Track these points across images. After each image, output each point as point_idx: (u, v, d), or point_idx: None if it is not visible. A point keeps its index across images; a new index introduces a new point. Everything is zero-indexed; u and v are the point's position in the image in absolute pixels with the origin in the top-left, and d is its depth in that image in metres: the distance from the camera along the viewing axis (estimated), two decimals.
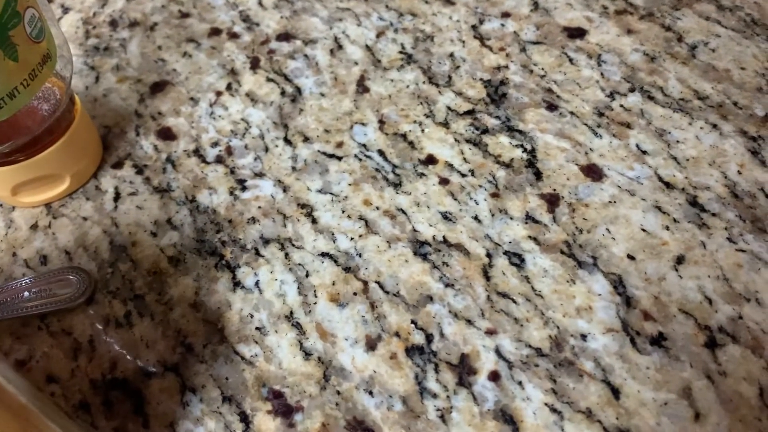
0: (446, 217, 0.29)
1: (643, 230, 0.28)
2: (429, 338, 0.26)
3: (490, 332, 0.25)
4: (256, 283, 0.28)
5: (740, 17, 0.35)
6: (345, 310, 0.27)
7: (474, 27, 0.37)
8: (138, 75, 0.37)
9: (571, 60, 0.34)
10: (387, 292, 0.27)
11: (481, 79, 0.34)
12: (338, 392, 0.25)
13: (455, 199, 0.29)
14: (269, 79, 0.36)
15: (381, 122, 0.33)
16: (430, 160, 0.31)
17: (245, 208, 0.30)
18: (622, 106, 0.32)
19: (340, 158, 0.32)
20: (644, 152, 0.30)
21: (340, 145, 0.32)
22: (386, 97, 0.34)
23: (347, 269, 0.28)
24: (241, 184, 0.31)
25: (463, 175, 0.30)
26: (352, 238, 0.29)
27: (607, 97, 0.33)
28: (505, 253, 0.28)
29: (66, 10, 0.42)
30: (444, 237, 0.28)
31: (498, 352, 0.25)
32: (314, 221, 0.29)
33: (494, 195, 0.29)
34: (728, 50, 0.34)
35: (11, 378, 0.19)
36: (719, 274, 0.26)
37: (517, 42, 0.36)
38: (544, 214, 0.29)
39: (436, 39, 0.36)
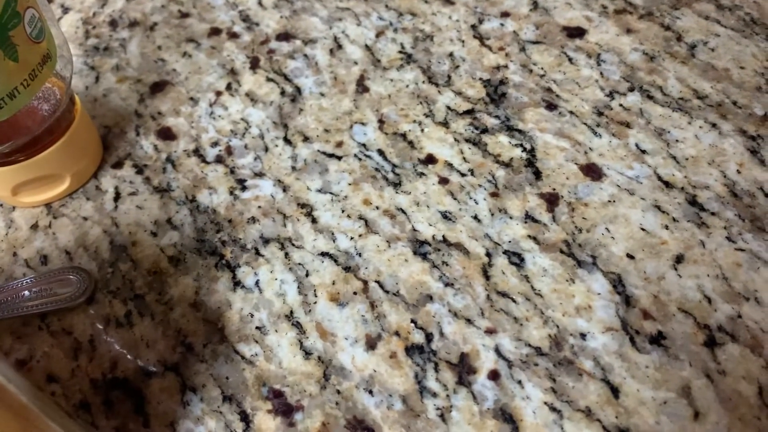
0: (446, 216, 0.29)
1: (643, 229, 0.28)
2: (429, 337, 0.26)
3: (490, 331, 0.25)
4: (256, 283, 0.28)
5: (739, 17, 0.35)
6: (345, 309, 0.27)
7: (473, 27, 0.37)
8: (138, 75, 0.37)
9: (570, 59, 0.34)
10: (387, 292, 0.27)
11: (480, 79, 0.34)
12: (338, 391, 0.25)
13: (455, 199, 0.29)
14: (269, 79, 0.36)
15: (381, 122, 0.33)
16: (430, 159, 0.31)
17: (245, 208, 0.30)
18: (621, 105, 0.32)
19: (339, 158, 0.32)
20: (643, 151, 0.30)
21: (339, 144, 0.32)
22: (386, 96, 0.34)
23: (347, 269, 0.28)
24: (241, 183, 0.31)
25: (463, 175, 0.30)
26: (351, 238, 0.29)
27: (607, 96, 0.33)
28: (505, 252, 0.28)
29: (66, 10, 0.42)
30: (444, 236, 0.28)
31: (498, 351, 0.25)
32: (314, 221, 0.29)
33: (494, 194, 0.29)
34: (727, 49, 0.34)
35: (12, 377, 0.19)
36: (718, 273, 0.26)
37: (516, 41, 0.36)
38: (544, 213, 0.29)
39: (436, 39, 0.36)
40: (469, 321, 0.26)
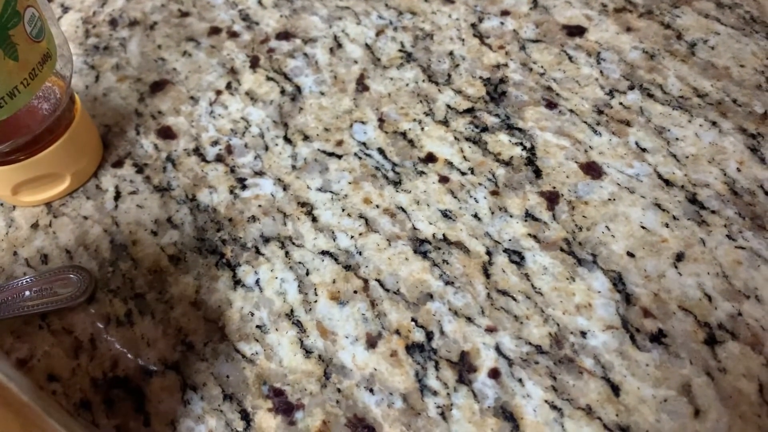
0: (446, 215, 0.29)
1: (643, 228, 0.28)
2: (429, 336, 0.26)
3: (490, 330, 0.26)
4: (257, 282, 0.28)
5: (739, 15, 0.35)
6: (345, 308, 0.27)
7: (473, 25, 0.37)
8: (138, 74, 0.37)
9: (570, 58, 0.34)
10: (387, 290, 0.27)
11: (480, 78, 0.34)
12: (339, 390, 0.25)
13: (455, 197, 0.29)
14: (269, 78, 0.36)
15: (381, 121, 0.33)
16: (430, 158, 0.31)
17: (245, 207, 0.30)
18: (621, 103, 0.32)
19: (339, 157, 0.32)
20: (644, 150, 0.30)
21: (339, 143, 0.32)
22: (386, 95, 0.34)
23: (347, 267, 0.28)
24: (241, 182, 0.31)
25: (463, 173, 0.30)
26: (352, 237, 0.29)
27: (607, 94, 0.33)
28: (505, 250, 0.28)
29: (66, 9, 0.42)
30: (444, 235, 0.28)
31: (498, 349, 0.25)
32: (314, 220, 0.29)
33: (494, 193, 0.29)
34: (727, 48, 0.34)
35: (12, 376, 0.19)
36: (719, 271, 0.26)
37: (516, 40, 0.36)
38: (544, 211, 0.29)
39: (436, 37, 0.36)
40: (469, 319, 0.26)
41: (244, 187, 0.31)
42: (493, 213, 0.29)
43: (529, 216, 0.29)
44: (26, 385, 0.19)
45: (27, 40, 0.24)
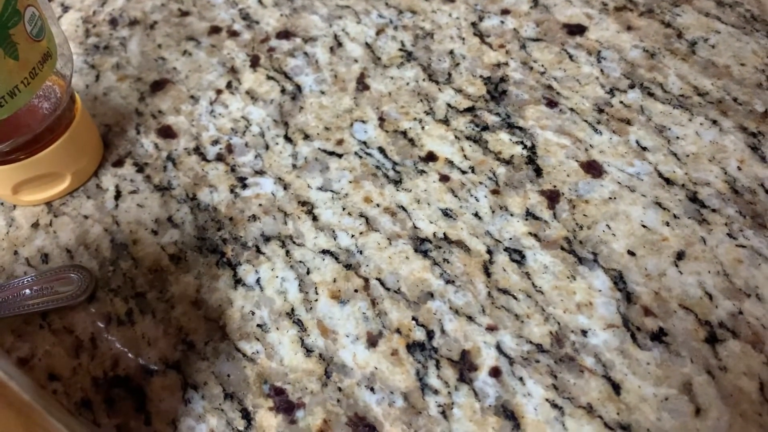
0: (447, 214, 0.29)
1: (644, 226, 0.28)
2: (430, 335, 0.26)
3: (491, 328, 0.26)
4: (257, 281, 0.28)
5: (740, 13, 0.35)
6: (346, 307, 0.27)
7: (474, 24, 0.37)
8: (138, 73, 0.37)
9: (570, 57, 0.34)
10: (388, 289, 0.27)
11: (481, 76, 0.34)
12: (340, 389, 0.25)
13: (455, 196, 0.29)
14: (269, 77, 0.36)
15: (381, 120, 0.33)
16: (431, 157, 0.31)
17: (246, 206, 0.30)
18: (621, 102, 0.32)
19: (340, 156, 0.32)
20: (644, 148, 0.30)
21: (340, 142, 0.32)
22: (386, 94, 0.34)
23: (348, 266, 0.28)
24: (242, 181, 0.31)
25: (464, 172, 0.30)
26: (352, 236, 0.29)
27: (607, 93, 0.33)
28: (506, 249, 0.28)
29: (66, 8, 0.42)
30: (444, 234, 0.28)
31: (499, 348, 0.25)
32: (315, 219, 0.29)
33: (494, 192, 0.29)
34: (728, 46, 0.34)
35: (14, 375, 0.19)
36: (719, 270, 0.26)
37: (516, 39, 0.36)
38: (545, 210, 0.29)
39: (436, 36, 0.36)
40: (470, 318, 0.26)
41: (244, 186, 0.31)
42: (493, 212, 0.29)
43: (529, 215, 0.29)
44: (27, 384, 0.19)
45: (27, 39, 0.24)
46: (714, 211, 0.28)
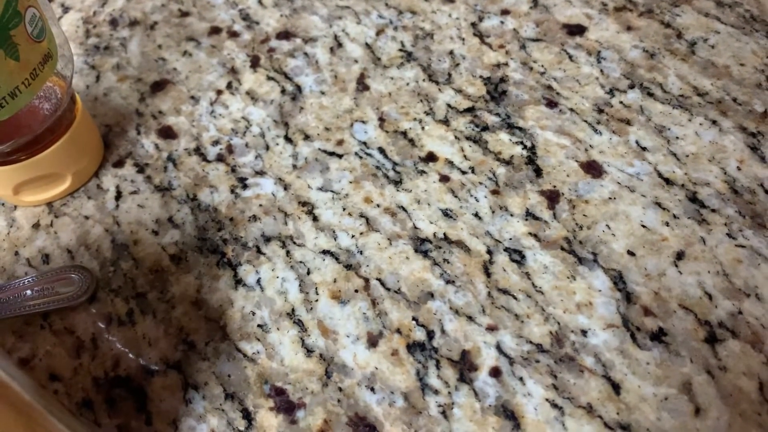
0: (447, 214, 0.29)
1: (643, 226, 0.28)
2: (430, 335, 0.26)
3: (491, 328, 0.26)
4: (258, 281, 0.28)
5: (739, 13, 0.35)
6: (346, 307, 0.27)
7: (473, 24, 0.37)
8: (138, 74, 0.37)
9: (570, 57, 0.34)
10: (388, 289, 0.27)
11: (480, 77, 0.34)
12: (340, 389, 0.25)
13: (456, 197, 0.30)
14: (269, 78, 0.36)
15: (381, 120, 0.33)
16: (431, 157, 0.31)
17: (246, 206, 0.30)
18: (621, 102, 0.32)
19: (340, 156, 0.32)
20: (644, 149, 0.30)
21: (340, 143, 0.32)
22: (386, 94, 0.34)
23: (348, 266, 0.28)
24: (242, 182, 0.31)
25: (464, 173, 0.30)
26: (353, 236, 0.29)
27: (607, 93, 0.33)
28: (506, 249, 0.28)
29: (66, 9, 0.42)
30: (444, 234, 0.28)
31: (499, 348, 0.25)
32: (315, 219, 0.29)
33: (494, 192, 0.30)
34: (727, 46, 0.34)
35: (15, 376, 0.19)
36: (719, 270, 0.26)
37: (516, 39, 0.36)
38: (545, 210, 0.29)
39: (436, 36, 0.36)
40: (470, 318, 0.26)
41: (245, 187, 0.31)
42: (493, 212, 0.29)
43: (529, 215, 0.29)
44: (28, 385, 0.19)
45: (28, 40, 0.24)
46: (713, 211, 0.28)
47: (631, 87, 0.33)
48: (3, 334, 0.27)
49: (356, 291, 0.27)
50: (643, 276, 0.26)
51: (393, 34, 0.37)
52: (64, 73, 0.28)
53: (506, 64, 0.35)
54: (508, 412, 0.24)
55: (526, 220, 0.28)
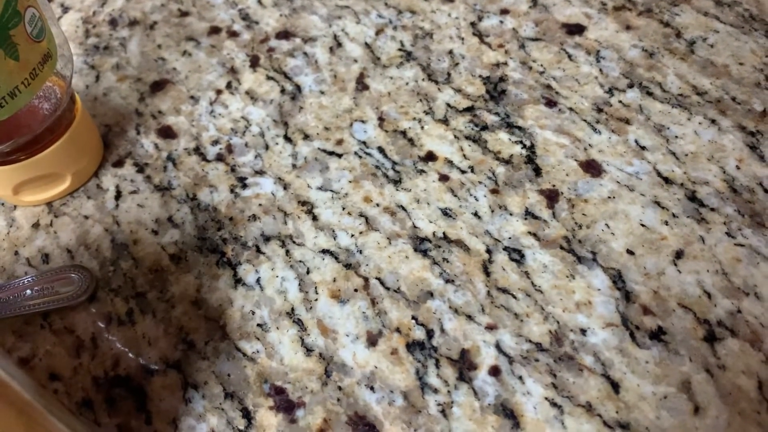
0: (446, 213, 0.29)
1: (642, 225, 0.28)
2: (429, 334, 0.26)
3: (491, 327, 0.26)
4: (257, 280, 0.28)
5: (738, 13, 0.35)
6: (346, 306, 0.27)
7: (473, 24, 0.37)
8: (138, 74, 0.37)
9: (569, 56, 0.34)
10: (387, 289, 0.27)
11: (480, 76, 0.34)
12: (340, 388, 0.25)
13: (455, 196, 0.30)
14: (269, 77, 0.36)
15: (381, 119, 0.33)
16: (430, 156, 0.31)
17: (246, 206, 0.30)
18: (620, 101, 0.32)
19: (340, 155, 0.32)
20: (643, 148, 0.30)
21: (340, 142, 0.32)
22: (386, 94, 0.34)
23: (348, 266, 0.28)
24: (242, 181, 0.31)
25: (463, 172, 0.30)
26: (352, 235, 0.29)
27: (606, 93, 0.33)
28: (505, 248, 0.28)
29: (66, 9, 0.42)
30: (444, 233, 0.28)
31: (498, 347, 0.25)
32: (315, 218, 0.30)
33: (494, 191, 0.30)
34: (726, 46, 0.34)
35: (15, 375, 0.19)
36: (718, 269, 0.26)
37: (515, 39, 0.36)
38: (544, 209, 0.29)
39: (435, 36, 0.37)
40: (469, 317, 0.26)
41: (244, 186, 0.31)
42: (493, 211, 0.29)
43: (529, 214, 0.29)
44: (28, 384, 0.19)
45: (27, 40, 0.24)
46: (713, 210, 0.28)
47: (631, 86, 0.33)
48: (3, 333, 0.27)
49: (356, 290, 0.27)
50: (642, 275, 0.26)
51: (392, 33, 0.37)
52: (64, 73, 0.28)
53: (505, 64, 0.35)
54: (508, 411, 0.24)
55: (526, 219, 0.28)
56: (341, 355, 0.25)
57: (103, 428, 0.25)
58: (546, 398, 0.24)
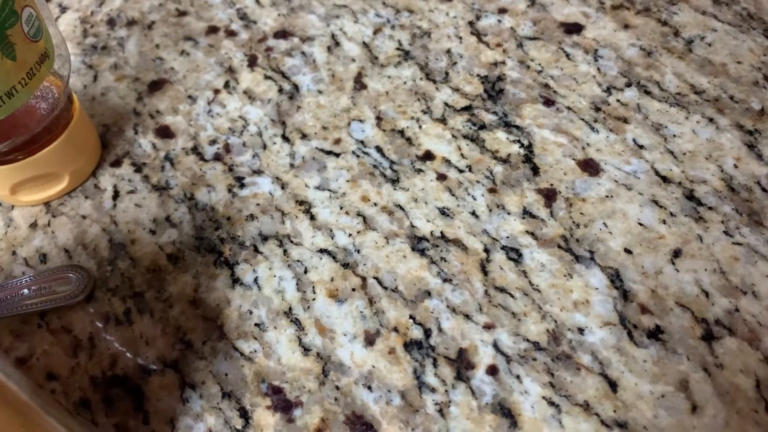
0: (444, 212, 0.29)
1: (640, 224, 0.28)
2: (427, 333, 0.26)
3: (488, 327, 0.26)
4: (255, 280, 0.28)
5: (736, 11, 0.35)
6: (343, 305, 0.27)
7: (471, 23, 0.37)
8: (136, 73, 0.37)
9: (567, 55, 0.34)
10: (385, 288, 0.27)
11: (478, 75, 0.34)
12: (337, 387, 0.25)
13: (453, 195, 0.30)
14: (267, 77, 0.36)
15: (378, 119, 0.33)
16: (428, 156, 0.31)
17: (243, 206, 0.30)
18: (618, 101, 0.32)
19: (337, 155, 0.32)
20: (641, 147, 0.30)
21: (337, 141, 0.32)
22: (383, 93, 0.34)
23: (345, 265, 0.28)
24: (240, 181, 0.31)
25: (461, 171, 0.30)
26: (350, 234, 0.29)
27: (604, 92, 0.33)
28: (503, 248, 0.28)
29: (63, 9, 0.42)
30: (442, 232, 0.28)
31: (496, 346, 0.25)
32: (312, 218, 0.29)
33: (492, 190, 0.30)
34: (724, 44, 0.34)
35: (12, 375, 0.19)
36: (716, 268, 0.26)
37: (513, 38, 0.36)
38: (542, 209, 0.29)
39: (433, 35, 0.36)
40: (467, 316, 0.26)
41: (242, 186, 0.31)
42: (490, 210, 0.29)
43: (526, 213, 0.29)
44: (25, 384, 0.19)
45: (25, 39, 0.24)
46: (710, 209, 0.28)
47: (628, 85, 0.33)
48: (0, 333, 0.27)
49: (353, 289, 0.27)
50: (640, 274, 0.26)
51: (390, 32, 0.37)
52: (61, 73, 0.28)
53: (503, 63, 0.35)
54: (505, 410, 0.24)
55: (523, 218, 0.28)
56: (339, 354, 0.25)
57: (100, 428, 0.25)
58: (543, 397, 0.24)
